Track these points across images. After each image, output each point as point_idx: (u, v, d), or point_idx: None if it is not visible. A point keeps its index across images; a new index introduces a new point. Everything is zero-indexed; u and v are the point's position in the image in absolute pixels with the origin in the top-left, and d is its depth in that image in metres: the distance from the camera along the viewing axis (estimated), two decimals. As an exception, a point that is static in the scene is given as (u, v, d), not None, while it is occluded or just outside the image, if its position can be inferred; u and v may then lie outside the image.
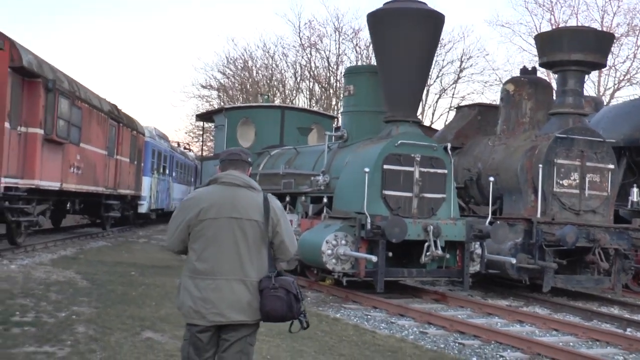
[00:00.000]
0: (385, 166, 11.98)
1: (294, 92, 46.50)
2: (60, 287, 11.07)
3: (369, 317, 10.65)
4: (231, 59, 50.99)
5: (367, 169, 11.55)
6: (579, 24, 40.29)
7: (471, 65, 41.84)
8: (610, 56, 17.20)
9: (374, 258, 10.99)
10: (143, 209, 27.01)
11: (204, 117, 20.47)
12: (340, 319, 10.24)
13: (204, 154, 22.94)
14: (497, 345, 8.86)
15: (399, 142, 12.08)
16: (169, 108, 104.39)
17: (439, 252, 11.72)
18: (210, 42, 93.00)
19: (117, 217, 23.56)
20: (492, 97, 44.94)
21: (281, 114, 17.53)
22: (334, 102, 43.12)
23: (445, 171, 12.52)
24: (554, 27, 40.12)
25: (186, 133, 56.82)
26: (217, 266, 4.22)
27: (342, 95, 13.88)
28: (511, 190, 13.86)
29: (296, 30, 45.77)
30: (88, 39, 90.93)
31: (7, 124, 13.41)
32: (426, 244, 11.74)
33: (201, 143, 24.72)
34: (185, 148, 42.66)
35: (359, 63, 44.25)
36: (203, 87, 52.46)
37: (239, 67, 50.70)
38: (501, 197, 14.54)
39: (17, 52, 13.58)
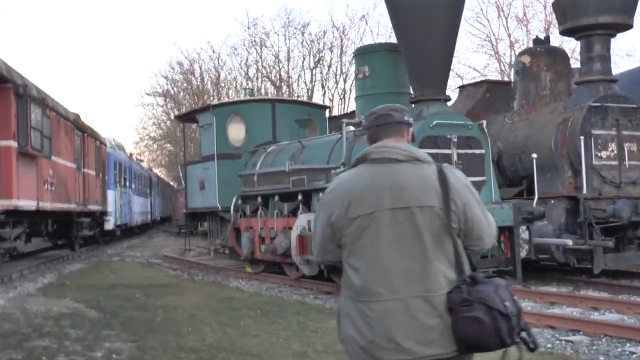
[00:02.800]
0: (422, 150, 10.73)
1: (245, 90, 44.95)
2: (71, 320, 9.48)
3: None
4: (175, 63, 49.25)
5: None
6: (525, 6, 40.20)
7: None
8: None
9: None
10: (109, 225, 25.18)
11: (184, 118, 18.86)
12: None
13: (187, 158, 21.26)
14: (609, 339, 7.71)
15: (434, 122, 10.89)
16: (110, 118, 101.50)
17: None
18: (154, 48, 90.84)
19: (87, 237, 21.73)
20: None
21: (272, 107, 16.14)
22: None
23: (483, 151, 11.41)
24: (500, 10, 39.97)
25: (134, 143, 54.69)
26: (384, 281, 2.86)
27: (354, 78, 12.56)
28: (544, 167, 12.78)
29: (244, 27, 44.16)
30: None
31: (-23, 138, 11.69)
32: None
33: (183, 146, 23.02)
34: (137, 159, 40.66)
35: (309, 57, 43.12)
36: (147, 94, 50.52)
37: (184, 70, 48.93)
38: (528, 177, 13.48)
39: (-17, 55, 11.83)
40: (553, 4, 13.71)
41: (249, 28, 43.73)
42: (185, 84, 50.62)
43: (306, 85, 43.34)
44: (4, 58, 12.95)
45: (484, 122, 11.57)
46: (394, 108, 3.18)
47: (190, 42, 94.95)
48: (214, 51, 48.11)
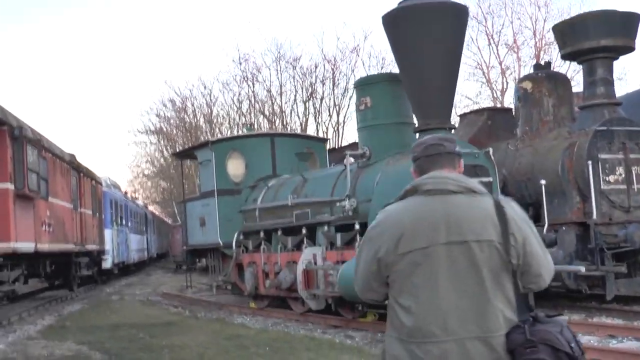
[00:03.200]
0: (429, 180, 10.56)
1: (238, 126, 44.90)
2: (76, 363, 9.21)
3: None
4: (167, 101, 49.25)
5: (418, 184, 10.13)
6: (514, 33, 40.39)
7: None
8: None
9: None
10: (107, 264, 24.85)
11: (182, 155, 18.69)
12: None
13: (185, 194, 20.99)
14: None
15: (440, 151, 10.70)
16: (103, 157, 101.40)
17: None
18: (146, 86, 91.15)
19: (85, 276, 21.40)
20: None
21: (271, 142, 15.97)
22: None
23: (491, 179, 11.21)
24: (490, 37, 40.18)
25: (128, 181, 54.49)
26: (439, 321, 2.65)
27: (356, 109, 12.41)
28: (551, 193, 12.61)
29: (236, 62, 44.23)
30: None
31: (-26, 180, 11.47)
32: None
33: (182, 183, 22.82)
34: (132, 197, 40.41)
35: (300, 91, 43.14)
36: (140, 132, 50.43)
37: (177, 108, 48.91)
38: (534, 203, 13.32)
39: (-20, 95, 11.67)
40: (553, 28, 13.66)
41: (240, 63, 43.75)
42: (177, 121, 50.55)
43: (299, 118, 43.39)
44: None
45: (490, 149, 11.43)
46: (446, 138, 3.01)
47: (182, 79, 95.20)
48: (205, 87, 48.11)
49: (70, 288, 20.98)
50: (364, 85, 12.18)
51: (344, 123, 42.96)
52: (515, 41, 40.41)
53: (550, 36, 40.28)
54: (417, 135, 11.52)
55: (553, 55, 42.94)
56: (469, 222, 2.72)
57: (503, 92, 40.33)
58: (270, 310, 14.38)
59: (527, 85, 13.90)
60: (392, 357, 2.77)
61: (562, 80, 14.04)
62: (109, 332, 12.38)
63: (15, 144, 12.90)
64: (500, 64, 40.47)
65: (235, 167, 15.60)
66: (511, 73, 40.91)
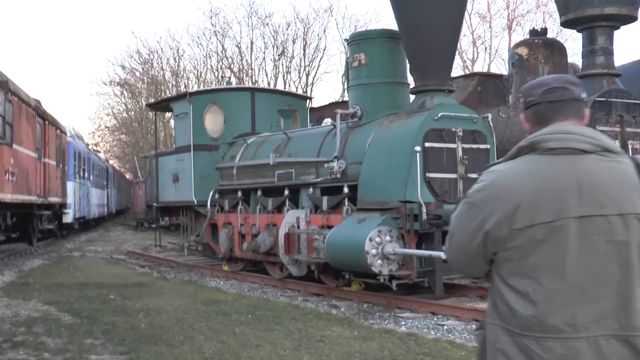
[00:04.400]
0: (426, 144, 10.01)
1: (205, 82, 43.81)
2: (44, 326, 8.50)
3: (440, 326, 8.67)
4: (134, 52, 47.80)
5: (417, 148, 9.58)
6: (488, 2, 39.90)
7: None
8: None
9: (442, 254, 8.98)
10: (69, 218, 23.91)
11: (157, 106, 17.77)
12: (402, 331, 8.29)
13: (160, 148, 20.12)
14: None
15: (439, 114, 10.16)
16: (64, 107, 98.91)
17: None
18: (112, 36, 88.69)
19: (47, 230, 20.51)
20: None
21: (251, 96, 15.21)
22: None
23: (488, 146, 10.74)
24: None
25: (90, 134, 53.08)
26: (566, 314, 2.11)
27: (347, 66, 11.74)
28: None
29: (207, 16, 42.96)
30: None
31: (-64, 123, 10.56)
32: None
33: (155, 135, 21.87)
34: (94, 150, 39.22)
35: (272, 50, 42.15)
36: (105, 83, 48.92)
37: (143, 60, 47.50)
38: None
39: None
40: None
41: (211, 17, 42.56)
42: (143, 74, 49.18)
43: (267, 76, 42.48)
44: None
45: (489, 115, 10.91)
46: (571, 80, 2.37)
47: (150, 31, 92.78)
48: (173, 39, 46.84)
49: (30, 242, 20.10)
50: (359, 41, 11.47)
51: (312, 84, 42.22)
52: (489, 10, 39.96)
53: (524, 7, 40.09)
54: (414, 96, 10.95)
55: (525, 28, 42.76)
56: (607, 190, 2.15)
57: (474, 61, 39.99)
58: (245, 274, 13.77)
59: (523, 51, 13.39)
60: (498, 351, 2.20)
61: (559, 48, 13.54)
62: (76, 291, 11.68)
63: (-20, 86, 11.99)
64: (472, 33, 40.02)
65: (214, 122, 14.81)
66: (482, 42, 40.55)
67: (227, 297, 11.10)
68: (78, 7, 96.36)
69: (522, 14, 39.38)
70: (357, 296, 10.79)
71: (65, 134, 23.05)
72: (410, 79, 11.50)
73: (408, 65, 11.26)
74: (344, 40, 12.30)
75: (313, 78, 42.44)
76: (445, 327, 8.56)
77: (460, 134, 10.30)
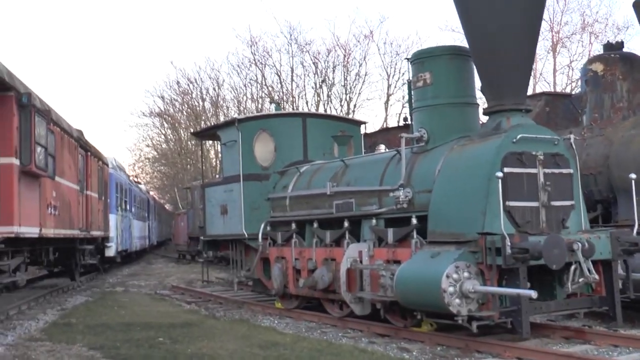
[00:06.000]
0: (505, 169, 9.03)
1: (245, 111, 43.30)
2: (90, 377, 7.68)
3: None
4: (173, 82, 47.63)
5: (499, 174, 8.61)
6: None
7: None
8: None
9: (533, 294, 7.97)
10: (111, 252, 23.28)
11: (203, 134, 17.03)
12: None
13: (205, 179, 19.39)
14: None
15: (519, 136, 9.18)
16: (103, 138, 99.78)
17: (594, 276, 8.83)
18: (151, 67, 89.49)
19: (89, 265, 19.85)
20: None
21: (302, 122, 14.38)
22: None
23: (571, 170, 9.71)
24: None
25: (129, 165, 52.94)
26: None
27: (410, 87, 10.86)
28: (630, 190, 11.07)
29: (247, 44, 42.59)
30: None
31: (-26, 154, 9.90)
32: (572, 267, 8.85)
33: (201, 165, 21.18)
34: (135, 181, 38.81)
35: (314, 76, 41.55)
36: (144, 115, 48.80)
37: (182, 90, 47.29)
38: (604, 200, 11.84)
39: (-18, 56, 10.06)
40: (634, 4, 12.08)
41: (250, 46, 42.17)
42: (182, 104, 48.94)
43: (308, 104, 41.82)
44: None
45: (572, 136, 9.91)
46: None
47: (189, 61, 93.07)
48: (213, 69, 46.53)
49: (72, 277, 19.44)
50: (424, 59, 10.57)
51: (353, 112, 41.42)
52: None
53: (568, 29, 38.92)
54: (488, 117, 10.00)
55: (572, 49, 41.53)
56: None
57: (554, 71, 38.63)
58: (301, 312, 12.81)
59: (598, 67, 12.38)
60: None
61: (638, 63, 12.49)
62: (122, 333, 10.86)
63: (22, 113, 11.33)
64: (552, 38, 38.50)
65: (264, 150, 13.99)
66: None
67: (285, 339, 10.18)
68: (117, 39, 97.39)
69: (567, 35, 38.22)
70: (429, 338, 9.77)
71: (107, 166, 22.48)
72: (480, 96, 10.59)
73: (478, 84, 10.35)
74: (405, 59, 11.36)
75: (354, 105, 41.72)
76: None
77: (542, 157, 9.31)
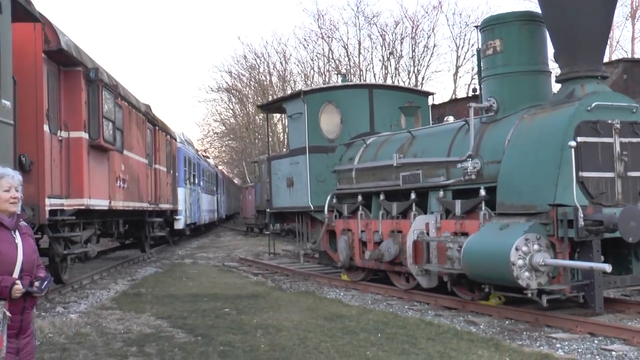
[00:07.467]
0: (579, 138, 8.69)
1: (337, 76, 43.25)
2: (157, 345, 7.76)
3: (607, 352, 7.34)
4: (240, 57, 47.89)
5: (572, 143, 8.28)
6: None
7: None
8: None
9: (607, 267, 7.67)
10: (180, 224, 23.64)
11: (269, 107, 17.04)
12: (560, 356, 7.04)
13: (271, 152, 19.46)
14: None
15: (593, 104, 8.80)
16: (172, 113, 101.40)
17: (674, 250, 8.46)
18: (219, 43, 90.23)
19: (158, 237, 20.21)
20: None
21: (369, 94, 14.19)
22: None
23: (652, 141, 9.27)
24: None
25: (198, 140, 53.64)
26: None
27: (479, 55, 10.55)
28: None
29: (314, 17, 42.43)
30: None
31: (46, 128, 10.08)
32: (651, 242, 8.48)
33: (267, 138, 21.27)
34: (203, 155, 39.30)
35: (382, 49, 41.09)
36: (212, 90, 49.29)
37: (249, 65, 47.52)
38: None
39: (52, 31, 10.23)
40: None
41: (317, 19, 42.00)
42: (250, 79, 49.21)
43: (375, 77, 41.47)
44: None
45: (652, 102, 9.45)
46: None
47: (256, 36, 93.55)
48: (279, 43, 46.63)
49: (143, 249, 19.84)
50: (494, 26, 10.23)
51: (422, 84, 40.89)
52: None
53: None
54: (561, 85, 9.63)
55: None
56: None
57: (633, 39, 36.87)
58: (367, 284, 12.73)
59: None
60: None
61: None
62: (189, 304, 10.99)
63: (91, 88, 11.51)
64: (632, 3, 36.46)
65: (330, 122, 13.89)
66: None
67: (350, 311, 10.11)
68: (185, 15, 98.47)
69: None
70: (497, 311, 9.56)
71: (175, 140, 22.77)
72: (552, 66, 10.19)
73: (550, 51, 9.96)
74: (474, 26, 11.00)
75: (423, 77, 41.18)
76: (614, 353, 7.24)
77: (618, 126, 8.91)
